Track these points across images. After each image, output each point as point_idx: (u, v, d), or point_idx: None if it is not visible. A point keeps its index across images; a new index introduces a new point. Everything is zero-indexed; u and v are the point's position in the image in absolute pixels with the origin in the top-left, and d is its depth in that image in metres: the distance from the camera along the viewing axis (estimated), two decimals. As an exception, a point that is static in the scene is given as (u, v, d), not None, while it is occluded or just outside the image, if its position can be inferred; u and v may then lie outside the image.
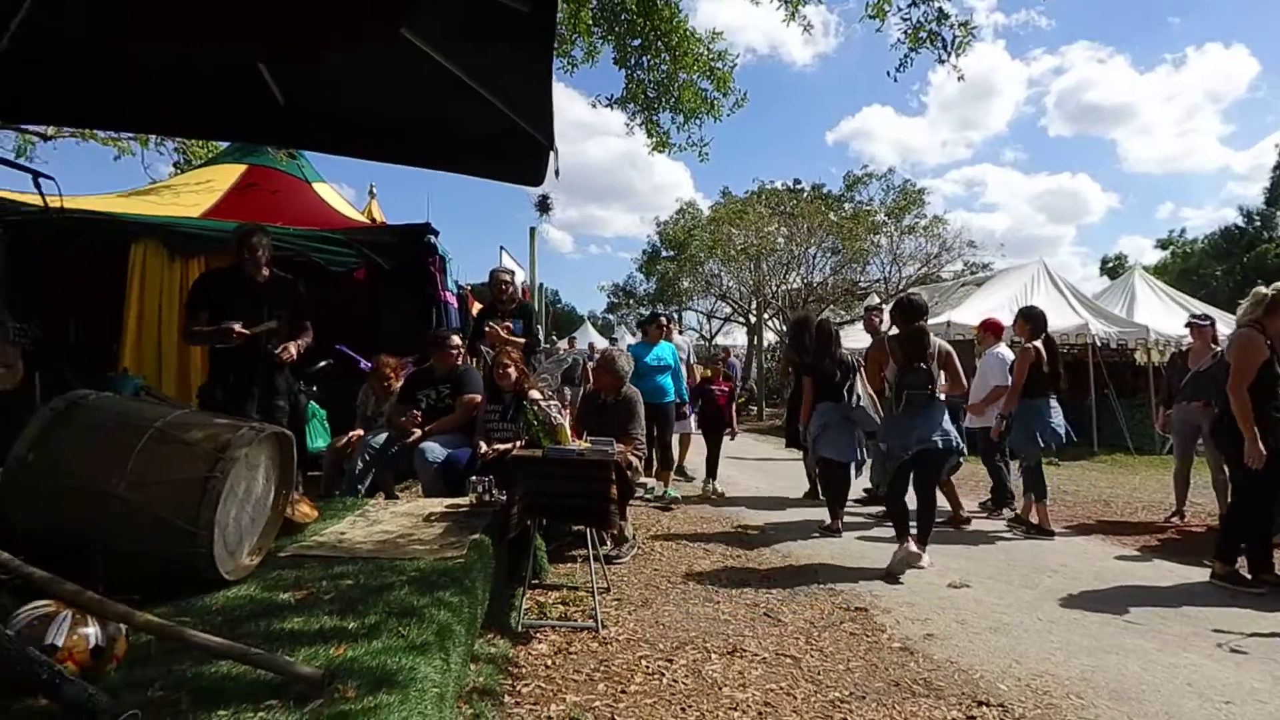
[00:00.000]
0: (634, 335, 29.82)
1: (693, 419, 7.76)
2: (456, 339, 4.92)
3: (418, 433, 4.54)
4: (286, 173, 7.36)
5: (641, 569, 4.44)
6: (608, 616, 3.52)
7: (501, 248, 9.10)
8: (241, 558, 2.60)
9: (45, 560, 1.89)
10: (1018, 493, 6.10)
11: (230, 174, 7.10)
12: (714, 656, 3.10)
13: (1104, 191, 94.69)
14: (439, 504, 3.91)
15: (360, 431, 4.91)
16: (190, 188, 7.01)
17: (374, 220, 8.44)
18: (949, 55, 5.60)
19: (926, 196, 24.09)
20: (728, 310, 26.95)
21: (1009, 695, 2.81)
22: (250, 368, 3.92)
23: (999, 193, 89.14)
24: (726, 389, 7.55)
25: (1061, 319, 10.74)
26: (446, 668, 1.97)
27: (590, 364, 7.36)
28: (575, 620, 3.47)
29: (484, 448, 4.34)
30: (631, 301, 37.87)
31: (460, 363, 4.89)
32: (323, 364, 5.17)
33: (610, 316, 42.03)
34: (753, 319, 22.24)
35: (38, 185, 3.30)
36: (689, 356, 8.39)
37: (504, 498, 3.73)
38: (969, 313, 11.07)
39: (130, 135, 9.88)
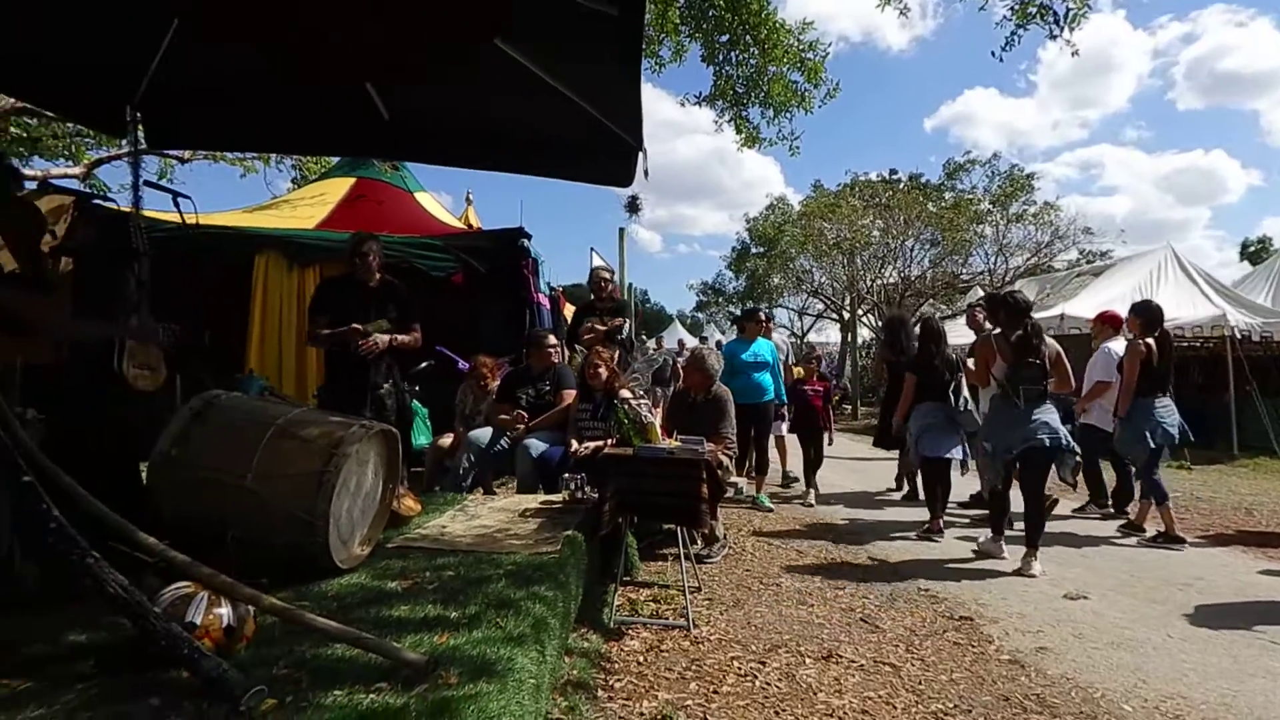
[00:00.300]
0: (724, 333, 29.63)
1: (784, 422, 7.37)
2: (553, 338, 5.06)
3: (521, 428, 4.69)
4: (391, 184, 7.77)
5: (733, 569, 4.40)
6: (699, 616, 3.51)
7: (592, 249, 9.24)
8: (353, 547, 2.76)
9: (185, 545, 2.08)
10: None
11: (341, 187, 7.57)
12: (808, 661, 3.03)
13: (1244, 168, 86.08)
14: (533, 500, 4.02)
15: (461, 429, 5.12)
16: (306, 201, 7.53)
17: (471, 226, 8.77)
18: (1061, 29, 5.25)
19: (1036, 182, 22.56)
20: (820, 307, 26.27)
21: (1134, 717, 2.60)
22: (362, 369, 4.16)
23: (1119, 174, 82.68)
24: (822, 389, 7.04)
25: (1194, 309, 9.81)
26: (542, 660, 2.02)
27: (680, 362, 7.37)
28: (667, 618, 3.48)
29: (576, 445, 4.42)
30: (720, 299, 37.61)
31: (555, 360, 5.01)
32: (424, 364, 5.41)
33: (699, 315, 41.92)
34: (846, 315, 21.57)
35: (177, 204, 3.62)
36: (787, 356, 7.99)
37: (596, 495, 3.79)
38: (1085, 305, 10.29)
39: (254, 155, 10.71)
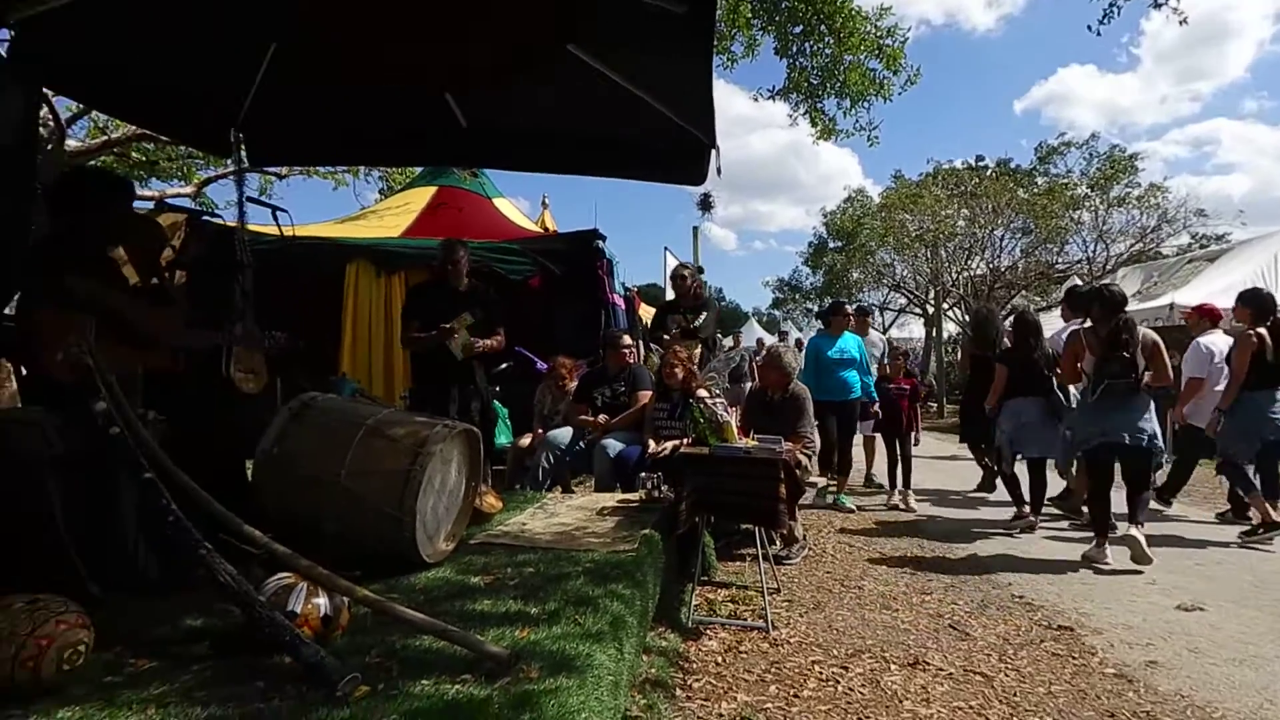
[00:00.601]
0: (801, 330, 29.06)
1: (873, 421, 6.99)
2: (628, 339, 5.09)
3: (598, 430, 4.75)
4: (470, 190, 8.02)
5: (813, 571, 4.32)
6: (778, 618, 3.46)
7: (666, 248, 9.27)
8: (439, 543, 2.86)
9: (286, 538, 2.21)
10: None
11: (424, 196, 7.87)
12: (893, 667, 2.93)
13: (1389, 139, 77.49)
14: (611, 499, 4.06)
15: (540, 430, 5.23)
16: (392, 211, 7.87)
17: (547, 229, 8.95)
18: (1166, -2, 4.87)
19: (1140, 162, 21.07)
20: (902, 301, 25.38)
21: (1261, 741, 2.39)
22: (448, 370, 4.32)
23: (1237, 151, 76.04)
24: (908, 387, 6.61)
25: (1325, 296, 8.91)
26: (620, 657, 2.04)
27: (756, 361, 7.26)
28: (745, 619, 3.45)
29: (653, 445, 4.44)
30: (797, 296, 36.94)
31: (631, 361, 5.05)
32: (504, 365, 5.56)
33: (775, 312, 41.30)
34: (930, 309, 20.75)
35: (276, 218, 3.85)
36: (882, 355, 7.37)
37: (672, 494, 3.79)
38: (1198, 292, 9.50)
39: (344, 169, 11.27)
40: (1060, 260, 19.71)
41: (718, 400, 4.05)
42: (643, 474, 4.02)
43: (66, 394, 2.25)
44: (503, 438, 5.76)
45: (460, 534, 3.02)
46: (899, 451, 6.37)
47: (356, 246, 6.47)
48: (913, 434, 6.56)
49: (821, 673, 2.87)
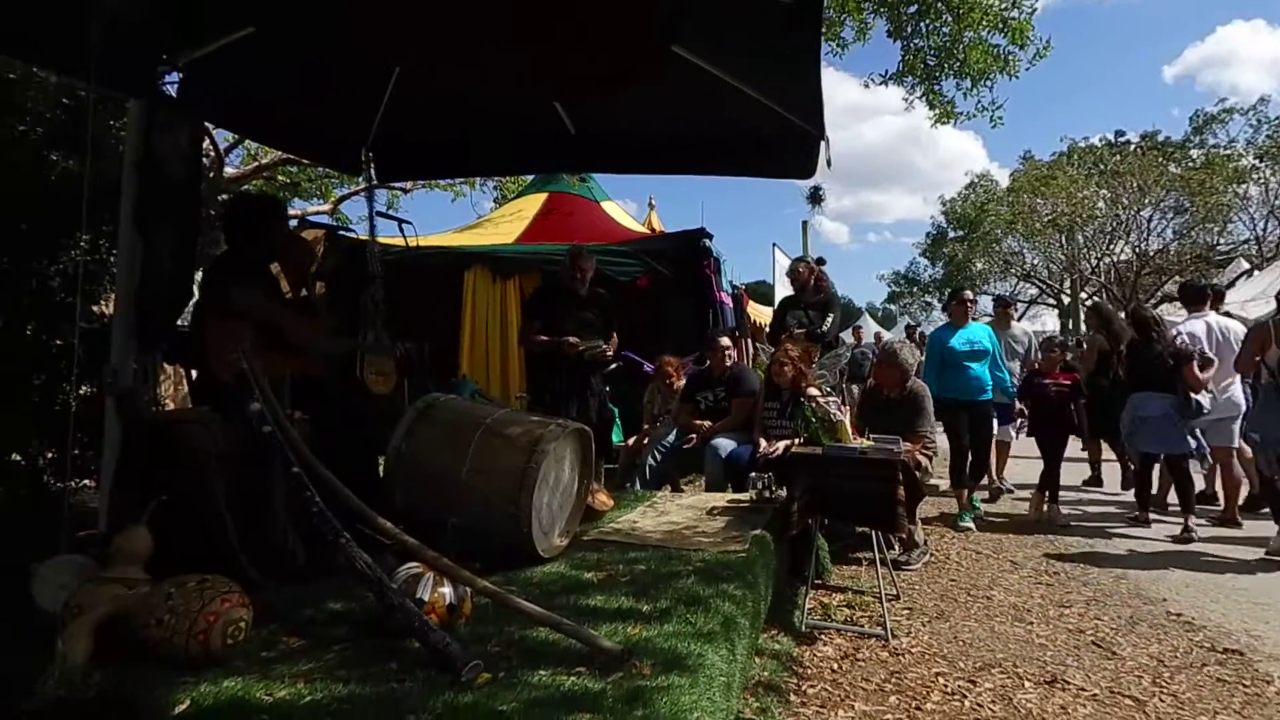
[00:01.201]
0: (920, 325, 27.71)
1: (1006, 424, 6.06)
2: (726, 340, 5.01)
3: (695, 439, 4.74)
4: (579, 195, 8.22)
5: (936, 578, 4.10)
6: (898, 626, 3.31)
7: (774, 245, 9.11)
8: (553, 539, 2.95)
9: (413, 530, 2.35)
10: None
11: (535, 203, 8.15)
12: (1027, 684, 2.74)
13: None
14: (720, 498, 4.03)
15: (649, 428, 5.28)
16: (506, 218, 8.20)
17: (654, 230, 9.02)
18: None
19: (1321, 126, 18.54)
20: (1033, 292, 23.63)
21: None
22: (564, 372, 4.47)
23: None
24: (1069, 383, 5.53)
25: None
26: (732, 658, 2.02)
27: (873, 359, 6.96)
28: (862, 625, 3.33)
29: (764, 444, 4.37)
30: (915, 289, 35.25)
31: (731, 363, 4.97)
32: (614, 366, 5.66)
33: (891, 306, 39.60)
34: (1065, 300, 19.17)
35: (401, 230, 4.12)
36: (1030, 350, 6.43)
37: (784, 495, 3.72)
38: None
39: (462, 181, 11.86)
40: (1222, 241, 17.67)
41: (830, 399, 3.93)
42: (753, 474, 3.97)
43: (228, 396, 2.50)
44: (616, 437, 5.87)
45: (574, 531, 3.10)
46: (1055, 460, 5.46)
47: (474, 254, 6.80)
48: (1072, 438, 5.63)
49: (947, 686, 2.72)
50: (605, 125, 4.30)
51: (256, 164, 10.68)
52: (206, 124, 5.06)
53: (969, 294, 5.70)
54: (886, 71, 7.23)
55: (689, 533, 3.29)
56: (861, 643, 3.13)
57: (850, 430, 3.68)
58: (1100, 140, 22.10)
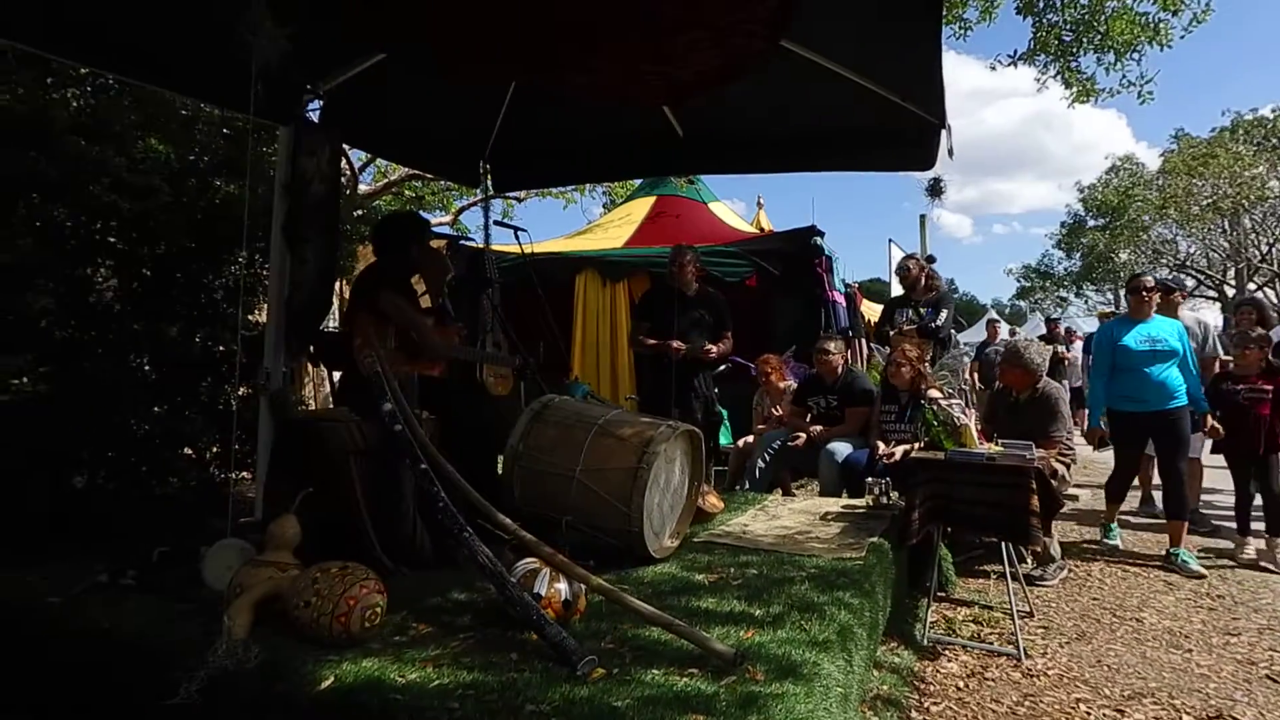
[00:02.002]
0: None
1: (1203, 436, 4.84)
2: (833, 345, 4.80)
3: (802, 438, 4.62)
4: (687, 197, 8.25)
5: (1075, 595, 3.79)
6: (1031, 645, 3.09)
7: (890, 240, 8.75)
8: (664, 539, 2.97)
9: (529, 526, 2.44)
10: None
11: (643, 206, 8.25)
12: (1186, 718, 2.47)
13: None
14: (835, 503, 3.92)
15: (759, 430, 5.21)
16: (615, 223, 8.36)
17: (762, 229, 8.91)
18: None
19: None
20: (1189, 283, 21.34)
21: None
22: (673, 373, 4.49)
23: None
24: (1269, 389, 4.35)
25: None
26: (849, 669, 1.96)
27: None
28: (991, 643, 3.12)
29: (881, 448, 4.20)
30: (1048, 284, 32.74)
31: (841, 369, 4.79)
32: (724, 367, 5.63)
33: (1020, 303, 36.99)
34: (1230, 291, 17.17)
35: (517, 237, 4.28)
36: (1207, 344, 5.31)
37: (903, 502, 3.56)
38: None
39: (572, 188, 12.18)
40: None
41: (954, 401, 3.73)
42: (870, 479, 3.83)
43: (365, 396, 2.70)
44: (725, 439, 5.83)
45: (684, 532, 3.11)
46: (1247, 479, 4.48)
47: (585, 258, 6.97)
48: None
49: (1090, 714, 2.51)
50: (713, 126, 4.28)
51: (386, 180, 11.44)
52: (343, 145, 5.49)
53: (1149, 280, 4.59)
54: (1015, 51, 6.76)
55: (802, 538, 3.22)
56: (991, 661, 2.94)
57: (977, 434, 3.46)
58: (1272, 111, 19.59)
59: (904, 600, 3.40)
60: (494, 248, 5.65)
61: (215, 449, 4.58)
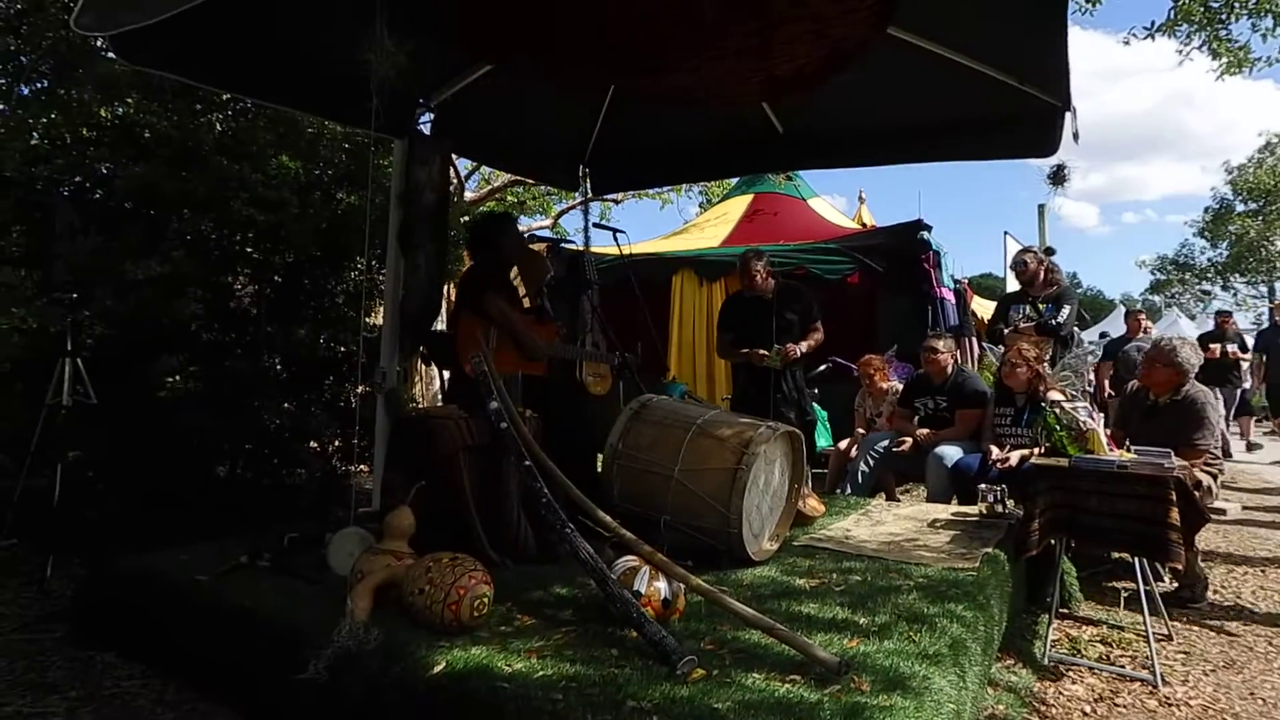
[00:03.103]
0: (1192, 317, 23.44)
1: None
2: (941, 344, 4.54)
3: (908, 442, 4.42)
4: (785, 194, 8.09)
5: (1222, 619, 3.43)
6: (1170, 671, 2.82)
7: (1006, 233, 8.25)
8: (763, 542, 2.93)
9: (627, 525, 2.47)
10: None
11: (740, 205, 8.17)
12: (1363, 765, 2.19)
13: None
14: (944, 510, 3.74)
15: (861, 432, 5.04)
16: (711, 222, 8.31)
17: (864, 225, 8.61)
18: None
19: None
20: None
21: None
22: (767, 374, 4.43)
23: None
24: None
25: None
26: (962, 685, 1.86)
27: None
28: (1121, 666, 2.88)
29: (995, 453, 3.96)
30: (1187, 276, 29.87)
31: (951, 369, 4.54)
32: (822, 368, 5.48)
33: (1154, 298, 33.90)
34: None
35: (615, 239, 4.34)
36: None
37: (1020, 511, 3.34)
38: None
39: (669, 188, 12.22)
40: None
41: (1079, 404, 3.46)
42: (983, 486, 3.62)
43: (473, 394, 2.82)
44: (823, 441, 5.68)
45: (784, 535, 3.05)
46: None
47: (681, 258, 6.98)
48: None
49: (1241, 751, 2.27)
50: (814, 121, 4.19)
51: (490, 187, 11.90)
52: (451, 154, 5.75)
53: None
54: (1153, 23, 6.20)
55: (909, 545, 3.08)
56: (1122, 686, 2.71)
57: (1105, 440, 3.20)
58: None
59: (1022, 616, 3.20)
60: (593, 250, 5.75)
61: (337, 443, 4.93)
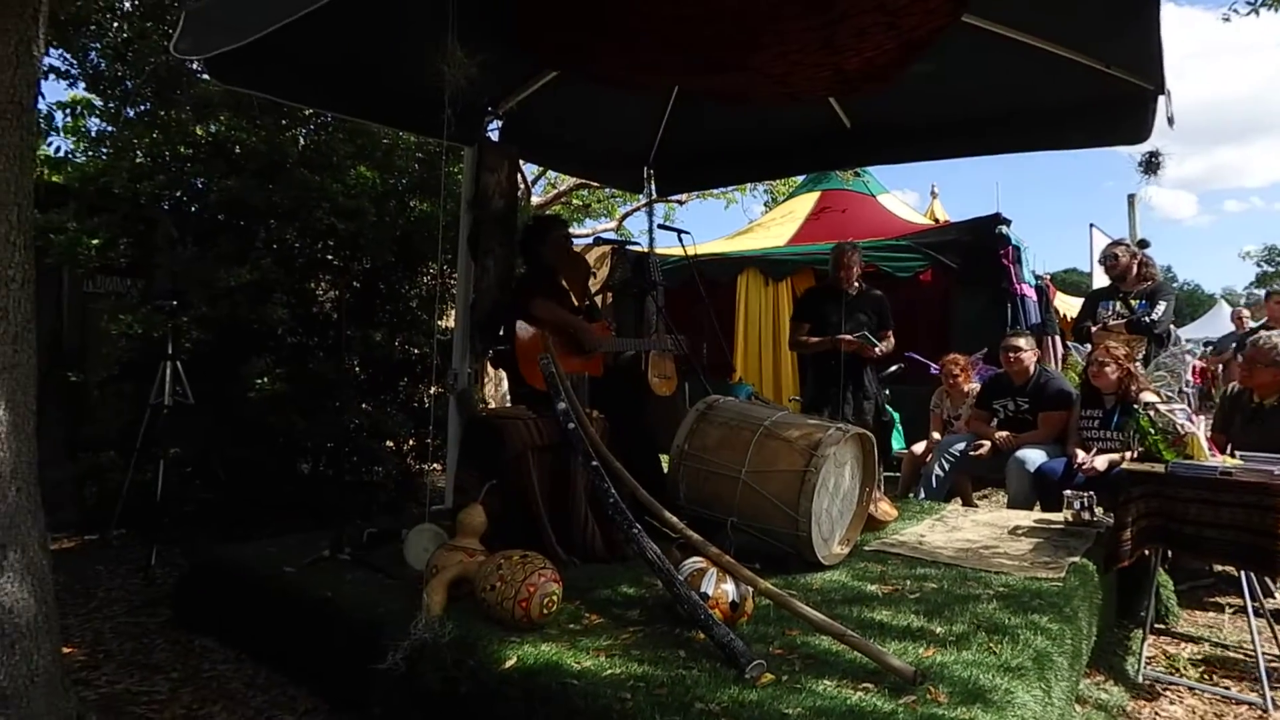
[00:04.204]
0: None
1: None
2: (1022, 342, 4.32)
3: (986, 446, 4.23)
4: (853, 190, 7.90)
5: (1343, 641, 3.15)
6: (1284, 695, 2.61)
7: (1092, 225, 7.82)
8: (833, 546, 2.87)
9: (694, 526, 2.46)
10: None
11: (807, 203, 8.02)
12: None
13: None
14: (1026, 517, 3.58)
15: (937, 435, 4.87)
16: (777, 221, 8.20)
17: (937, 220, 8.33)
18: None
19: None
20: None
21: None
22: (841, 373, 4.34)
23: None
24: None
25: None
26: (1048, 701, 1.77)
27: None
28: (1226, 687, 2.68)
29: (1081, 456, 3.76)
30: (1299, 268, 27.64)
31: (1034, 369, 4.31)
32: (894, 368, 5.33)
33: (1259, 291, 31.46)
34: None
35: (680, 240, 4.34)
36: None
37: (1110, 519, 3.16)
38: None
39: (734, 187, 12.12)
40: None
41: (1176, 407, 3.25)
42: (1068, 492, 3.44)
43: (540, 396, 2.86)
44: (897, 443, 5.52)
45: (854, 539, 2.98)
46: None
47: (746, 258, 6.91)
48: None
49: (1366, 785, 2.08)
50: (884, 114, 4.06)
51: (555, 191, 12.08)
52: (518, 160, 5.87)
53: None
54: (1258, -4, 5.75)
55: (988, 552, 2.96)
56: (1226, 709, 2.53)
57: (1206, 445, 3.00)
58: None
59: (1113, 630, 3.03)
60: (658, 251, 5.76)
61: (411, 442, 5.10)
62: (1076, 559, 2.77)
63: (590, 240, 6.78)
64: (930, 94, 3.79)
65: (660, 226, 5.05)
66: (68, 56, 4.87)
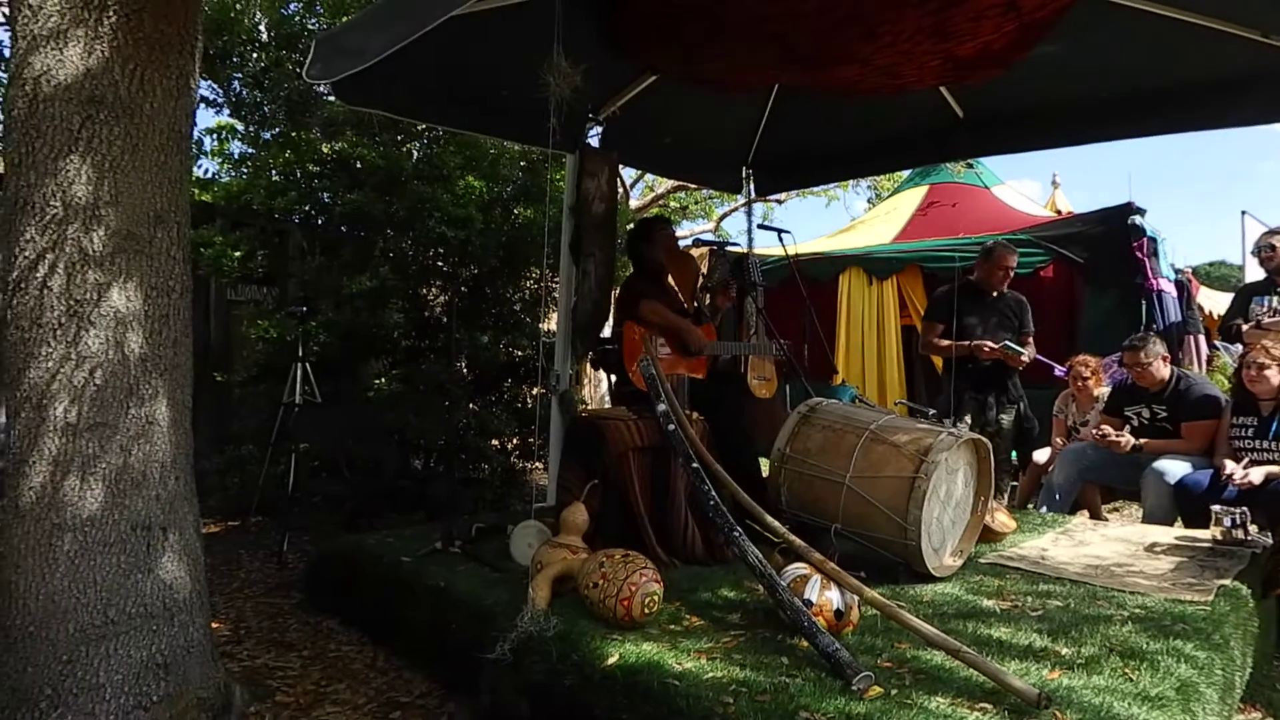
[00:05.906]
0: None
1: None
2: (1144, 352, 3.82)
3: (1126, 437, 3.88)
4: (964, 183, 7.50)
5: None
6: None
7: (1244, 213, 7.07)
8: (945, 557, 2.74)
9: (795, 531, 2.41)
10: None
11: (913, 198, 7.69)
12: None
13: None
14: (1166, 533, 3.28)
15: (1060, 442, 4.54)
16: (880, 218, 7.90)
17: (1059, 212, 7.78)
18: None
19: None
20: None
21: None
22: (981, 377, 4.12)
23: None
24: None
25: None
26: (1194, 736, 1.62)
27: None
28: None
29: (1231, 467, 3.38)
30: None
31: (1169, 374, 3.88)
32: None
33: None
34: None
35: (780, 240, 4.26)
36: None
37: (1267, 539, 2.84)
38: None
39: (835, 185, 11.79)
40: None
41: (1349, 414, 2.88)
42: (1216, 507, 3.11)
43: (640, 397, 2.89)
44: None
45: (968, 551, 2.83)
46: None
47: (848, 257, 6.70)
48: None
49: None
50: (1001, 101, 3.83)
51: (654, 194, 12.17)
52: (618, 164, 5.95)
53: None
54: None
55: (1120, 570, 2.73)
56: None
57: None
58: None
59: (1272, 663, 2.72)
60: (757, 251, 5.69)
61: (515, 441, 5.28)
62: (1227, 581, 2.51)
63: (689, 241, 6.77)
64: (1055, 75, 3.53)
65: (760, 226, 4.98)
66: (214, 86, 5.38)
